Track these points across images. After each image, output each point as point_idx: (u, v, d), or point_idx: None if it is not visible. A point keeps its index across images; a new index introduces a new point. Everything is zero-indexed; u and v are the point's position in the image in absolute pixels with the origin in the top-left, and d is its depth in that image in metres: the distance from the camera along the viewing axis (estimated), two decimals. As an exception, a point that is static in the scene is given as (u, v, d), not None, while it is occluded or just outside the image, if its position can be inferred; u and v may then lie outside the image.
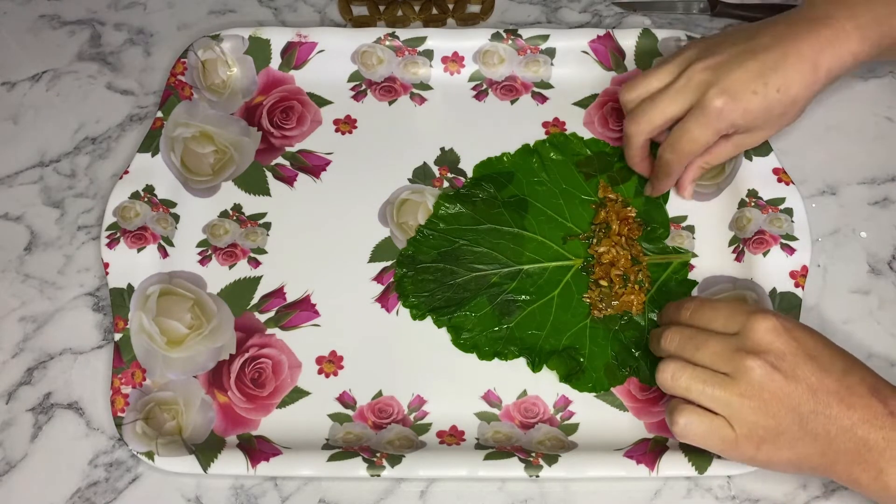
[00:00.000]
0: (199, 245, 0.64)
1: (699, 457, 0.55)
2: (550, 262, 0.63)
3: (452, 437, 0.58)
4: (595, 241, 0.63)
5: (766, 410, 0.48)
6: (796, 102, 0.58)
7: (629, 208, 0.64)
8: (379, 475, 0.55)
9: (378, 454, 0.55)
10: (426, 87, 0.71)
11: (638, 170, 0.64)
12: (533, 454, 0.55)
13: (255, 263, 0.64)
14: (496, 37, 0.70)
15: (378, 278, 0.63)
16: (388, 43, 0.70)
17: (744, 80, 0.56)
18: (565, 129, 0.69)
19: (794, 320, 0.51)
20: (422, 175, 0.67)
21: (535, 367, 0.60)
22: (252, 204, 0.66)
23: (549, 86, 0.70)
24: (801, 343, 0.49)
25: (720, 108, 0.56)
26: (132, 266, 0.62)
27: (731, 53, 0.57)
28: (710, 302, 0.53)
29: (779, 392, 0.48)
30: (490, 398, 0.59)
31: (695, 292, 0.62)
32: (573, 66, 0.70)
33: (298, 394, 0.59)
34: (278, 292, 0.63)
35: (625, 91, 0.61)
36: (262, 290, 0.63)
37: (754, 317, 0.49)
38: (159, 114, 0.67)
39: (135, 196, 0.64)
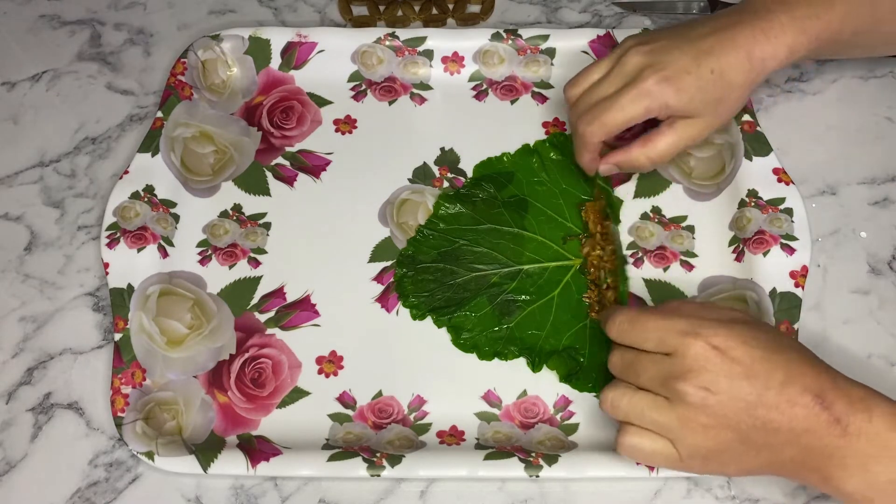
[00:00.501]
0: (199, 245, 0.64)
1: (699, 457, 0.55)
2: (550, 262, 0.63)
3: (452, 437, 0.58)
4: (583, 242, 0.63)
5: (705, 432, 0.48)
6: (732, 87, 0.58)
7: (599, 203, 0.64)
8: (379, 475, 0.55)
9: (378, 454, 0.55)
10: (426, 87, 0.71)
11: (591, 164, 0.62)
12: (533, 454, 0.55)
13: (255, 263, 0.64)
14: (496, 37, 0.70)
15: (378, 278, 0.63)
16: (388, 43, 0.70)
17: (679, 61, 0.57)
18: (565, 129, 0.69)
19: (730, 333, 0.49)
20: (422, 175, 0.67)
21: (535, 367, 0.60)
22: (252, 204, 0.66)
23: (549, 86, 0.70)
24: (735, 361, 0.48)
25: (653, 85, 0.57)
26: (132, 266, 0.62)
27: (667, 40, 0.58)
28: (639, 320, 0.51)
29: (715, 414, 0.48)
30: (490, 398, 0.59)
31: (695, 292, 0.62)
32: (573, 66, 0.70)
33: (298, 394, 0.59)
34: (278, 292, 0.63)
35: (568, 87, 0.61)
36: (262, 290, 0.63)
37: (685, 340, 0.48)
38: (159, 114, 0.67)
39: (135, 196, 0.64)
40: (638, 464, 0.54)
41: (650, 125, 0.60)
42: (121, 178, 0.64)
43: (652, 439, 0.50)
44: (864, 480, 0.47)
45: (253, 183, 0.67)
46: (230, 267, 0.63)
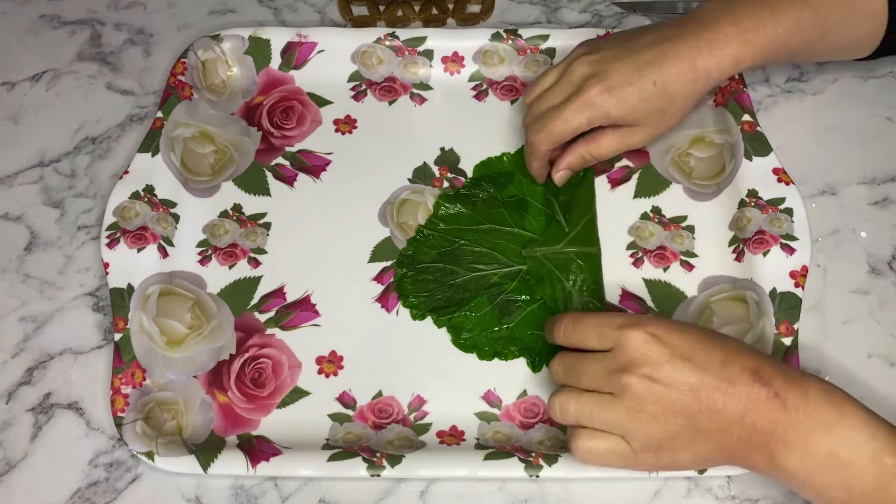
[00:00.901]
0: (199, 245, 0.64)
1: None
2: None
3: (452, 437, 0.58)
4: None
5: (655, 421, 0.49)
6: (674, 99, 0.58)
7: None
8: (379, 475, 0.55)
9: (378, 454, 0.55)
10: (426, 87, 0.71)
11: (539, 172, 0.64)
12: (533, 454, 0.55)
13: (255, 263, 0.64)
14: (496, 37, 0.70)
15: (378, 278, 0.63)
16: (388, 43, 0.70)
17: (621, 72, 0.58)
18: (565, 129, 0.69)
19: (667, 323, 0.50)
20: (422, 175, 0.67)
21: (535, 367, 0.60)
22: (252, 204, 0.66)
23: (549, 86, 0.70)
24: (674, 347, 0.49)
25: (595, 96, 0.58)
26: (132, 266, 0.62)
27: (612, 50, 0.59)
28: (581, 320, 0.52)
29: (662, 401, 0.48)
30: (490, 398, 0.59)
31: (695, 292, 0.62)
32: (573, 66, 0.70)
33: (298, 394, 0.59)
34: (278, 292, 0.63)
35: (524, 93, 0.63)
36: (262, 290, 0.63)
37: (624, 331, 0.49)
38: (159, 114, 0.67)
39: (135, 196, 0.64)
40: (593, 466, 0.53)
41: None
42: (121, 178, 0.64)
43: (604, 439, 0.50)
44: (806, 455, 0.47)
45: (253, 183, 0.67)
46: (230, 267, 0.63)
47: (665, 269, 0.63)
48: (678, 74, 0.57)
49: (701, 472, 0.54)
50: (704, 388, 0.48)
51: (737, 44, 0.57)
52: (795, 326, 0.59)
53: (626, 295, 0.62)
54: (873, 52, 0.63)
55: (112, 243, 0.62)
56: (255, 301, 0.62)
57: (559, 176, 0.63)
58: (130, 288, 0.61)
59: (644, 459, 0.50)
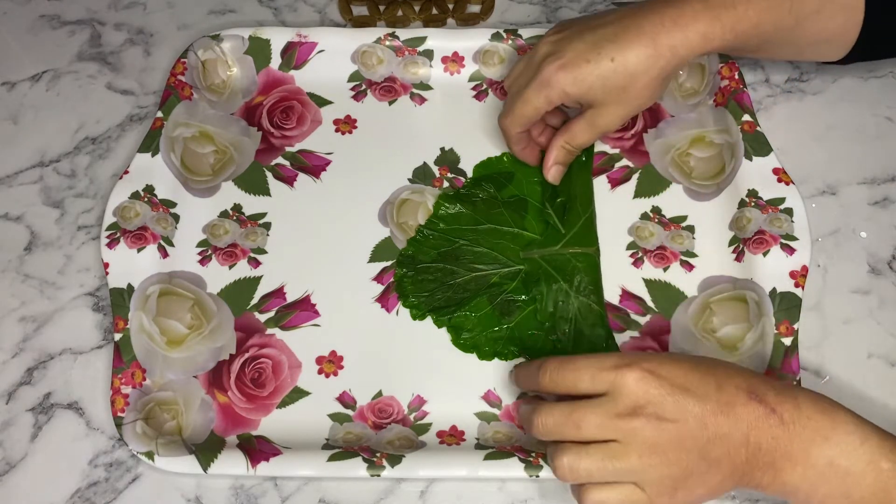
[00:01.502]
0: (199, 245, 0.64)
1: (699, 457, 0.55)
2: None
3: (452, 437, 0.58)
4: None
5: (668, 462, 0.48)
6: (635, 76, 0.57)
7: None
8: (379, 475, 0.55)
9: (378, 454, 0.55)
10: (426, 87, 0.71)
11: (522, 157, 0.65)
12: (533, 454, 0.55)
13: (255, 263, 0.64)
14: (496, 37, 0.70)
15: (378, 278, 0.63)
16: (388, 43, 0.70)
17: (579, 49, 0.57)
18: (565, 129, 0.69)
19: (657, 357, 0.50)
20: (422, 175, 0.67)
21: (535, 367, 0.60)
22: (252, 204, 0.66)
23: (549, 86, 0.70)
24: (672, 380, 0.48)
25: (551, 75, 0.57)
26: (132, 266, 0.62)
27: (574, 30, 0.59)
28: (568, 364, 0.50)
29: (673, 438, 0.47)
30: (490, 398, 0.59)
31: (695, 292, 0.62)
32: (573, 66, 0.70)
33: (298, 394, 0.59)
34: (278, 292, 0.63)
35: (505, 79, 0.63)
36: (262, 290, 0.63)
37: (619, 373, 0.48)
38: (159, 114, 0.67)
39: (135, 196, 0.64)
40: None
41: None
42: (121, 178, 0.64)
43: (617, 490, 0.49)
44: (807, 467, 0.47)
45: (253, 183, 0.67)
46: (230, 267, 0.63)
47: (665, 269, 0.63)
48: (640, 50, 0.56)
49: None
50: (709, 416, 0.48)
51: (705, 20, 0.56)
52: (795, 326, 0.59)
53: (626, 295, 0.62)
54: (847, 55, 0.62)
55: (112, 243, 0.62)
56: (255, 301, 0.62)
57: (551, 173, 0.63)
58: (130, 288, 0.61)
59: (661, 503, 0.49)
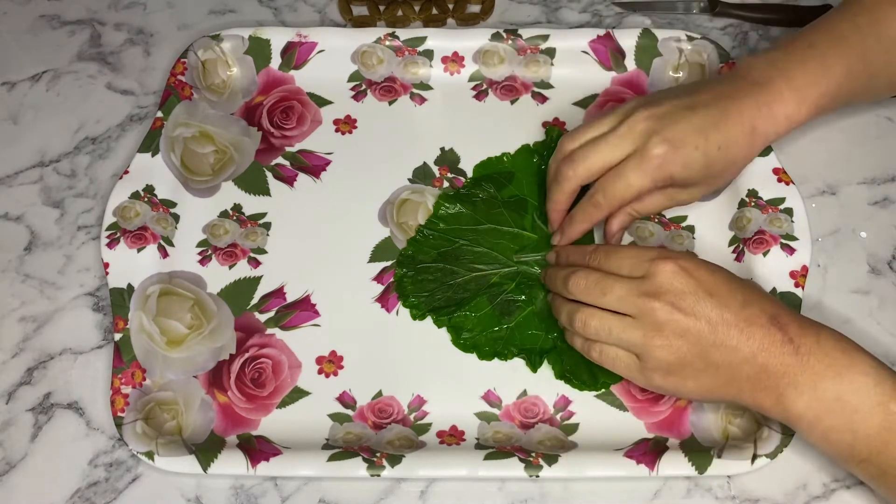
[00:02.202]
0: (199, 245, 0.64)
1: (699, 456, 0.55)
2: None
3: (452, 437, 0.58)
4: None
5: (669, 347, 0.51)
6: (735, 163, 0.58)
7: None
8: (379, 475, 0.55)
9: (378, 454, 0.55)
10: (426, 87, 0.71)
11: (555, 216, 0.61)
12: (533, 454, 0.55)
13: (255, 263, 0.64)
14: (496, 37, 0.70)
15: (378, 278, 0.63)
16: (388, 43, 0.70)
17: (686, 132, 0.56)
18: (565, 129, 0.69)
19: (697, 260, 0.53)
20: (422, 175, 0.67)
21: (534, 367, 0.60)
22: (252, 204, 0.66)
23: (549, 86, 0.70)
24: (701, 281, 0.51)
25: (661, 157, 0.55)
26: (132, 266, 0.62)
27: (674, 105, 0.57)
28: (616, 249, 0.55)
29: (680, 329, 0.51)
30: (490, 398, 0.59)
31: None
32: (573, 66, 0.70)
33: (298, 394, 0.59)
34: (278, 292, 0.63)
35: (566, 140, 0.59)
36: (262, 290, 0.63)
37: (657, 261, 0.52)
38: (159, 114, 0.67)
39: (135, 196, 0.64)
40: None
41: None
42: (121, 178, 0.64)
43: (617, 351, 0.54)
44: (813, 398, 0.49)
45: (253, 183, 0.67)
46: (230, 267, 0.63)
47: (665, 269, 0.63)
48: (741, 138, 0.56)
49: (701, 472, 0.55)
50: (722, 324, 0.50)
51: (792, 104, 0.57)
52: (795, 326, 0.59)
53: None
54: None
55: (112, 243, 0.62)
56: (255, 301, 0.62)
57: (616, 239, 0.61)
58: (130, 288, 0.61)
59: (650, 378, 0.53)
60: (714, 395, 0.53)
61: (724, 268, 0.53)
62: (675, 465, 0.55)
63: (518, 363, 0.60)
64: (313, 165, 0.67)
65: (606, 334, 0.53)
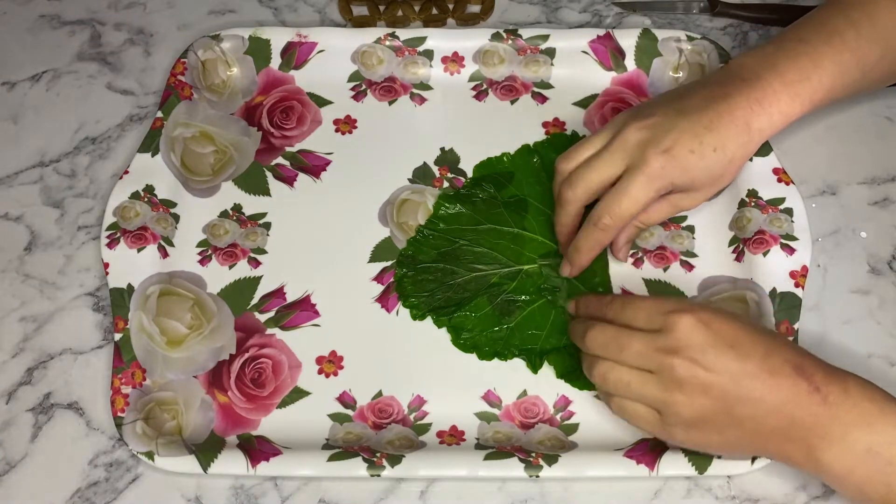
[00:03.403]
0: (199, 245, 0.64)
1: (699, 457, 0.55)
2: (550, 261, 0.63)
3: (452, 437, 0.58)
4: None
5: (691, 404, 0.50)
6: (733, 162, 0.57)
7: None
8: (379, 475, 0.55)
9: (378, 454, 0.55)
10: (426, 87, 0.71)
11: (564, 239, 0.61)
12: (533, 454, 0.55)
13: (255, 263, 0.64)
14: (496, 37, 0.70)
15: (378, 278, 0.63)
16: (388, 43, 0.70)
17: (680, 138, 0.55)
18: (565, 129, 0.69)
19: (715, 310, 0.51)
20: (422, 175, 0.67)
21: (534, 367, 0.60)
22: (252, 204, 0.66)
23: (549, 86, 0.70)
24: (721, 334, 0.50)
25: (661, 166, 0.55)
26: (132, 266, 0.62)
27: (665, 114, 0.56)
28: (631, 301, 0.54)
29: (701, 385, 0.49)
30: (490, 398, 0.59)
31: (695, 292, 0.62)
32: (573, 66, 0.70)
33: (298, 394, 0.59)
34: (278, 292, 0.63)
35: (561, 160, 0.59)
36: (262, 290, 0.63)
37: (673, 315, 0.50)
38: (159, 114, 0.67)
39: (135, 196, 0.64)
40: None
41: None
42: (121, 178, 0.64)
43: (638, 407, 0.52)
44: (844, 449, 0.48)
45: (253, 183, 0.67)
46: (230, 267, 0.63)
47: (665, 269, 0.63)
48: (736, 137, 0.56)
49: (701, 472, 0.55)
50: (745, 376, 0.49)
51: (786, 99, 0.57)
52: (795, 326, 0.59)
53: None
54: None
55: (112, 243, 0.62)
56: (255, 301, 0.62)
57: (622, 253, 0.62)
58: (130, 288, 0.61)
59: (672, 433, 0.52)
60: (740, 449, 0.52)
61: (743, 316, 0.52)
62: (675, 465, 0.55)
63: (518, 363, 0.60)
64: (313, 165, 0.67)
65: (625, 389, 0.52)
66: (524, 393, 0.59)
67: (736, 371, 0.49)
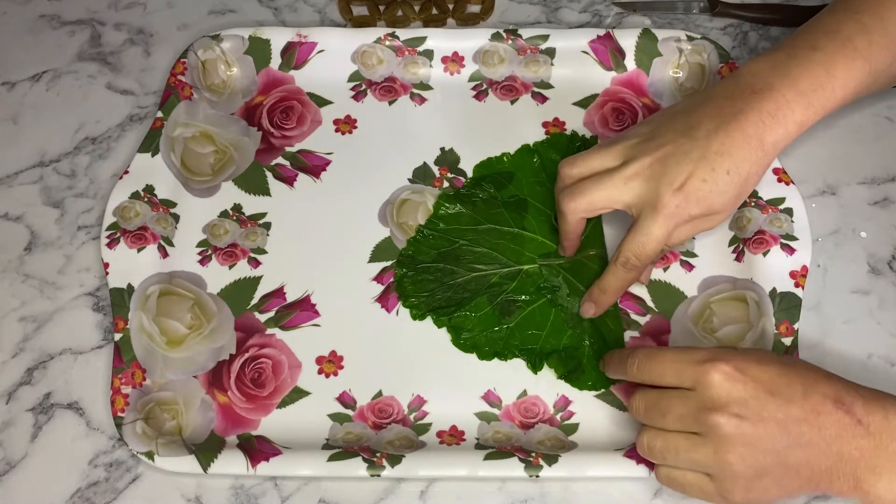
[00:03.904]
0: (199, 245, 0.64)
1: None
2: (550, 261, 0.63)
3: (452, 437, 0.58)
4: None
5: (744, 461, 0.48)
6: (749, 180, 0.56)
7: None
8: (379, 475, 0.55)
9: (378, 454, 0.55)
10: (426, 87, 0.71)
11: (568, 245, 0.61)
12: (533, 454, 0.55)
13: (255, 263, 0.64)
14: (496, 37, 0.70)
15: (378, 278, 0.63)
16: (388, 43, 0.70)
17: (694, 172, 0.54)
18: (565, 129, 0.69)
19: (742, 355, 0.50)
20: (422, 175, 0.67)
21: (535, 367, 0.60)
22: (252, 204, 0.66)
23: (549, 86, 0.70)
24: (759, 381, 0.49)
25: (676, 205, 0.54)
26: (132, 266, 0.62)
27: (675, 141, 0.55)
28: (655, 357, 0.52)
29: (751, 440, 0.48)
30: (490, 398, 0.59)
31: (695, 292, 0.62)
32: (573, 66, 0.70)
33: (298, 394, 0.59)
34: (278, 292, 0.63)
35: (566, 165, 0.59)
36: (262, 290, 0.63)
37: (704, 368, 0.49)
38: (159, 114, 0.67)
39: (135, 196, 0.64)
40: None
41: None
42: (121, 178, 0.65)
43: (688, 475, 0.51)
44: (893, 480, 0.47)
45: (253, 183, 0.67)
46: (230, 267, 0.63)
47: (665, 269, 0.63)
48: (748, 155, 0.55)
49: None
50: (792, 422, 0.48)
51: (800, 109, 0.55)
52: (795, 326, 0.59)
53: (627, 295, 0.62)
54: None
55: (112, 243, 0.62)
56: (255, 301, 0.62)
57: (647, 276, 0.62)
58: (130, 288, 0.61)
59: (731, 495, 0.50)
60: (796, 494, 0.51)
61: (769, 353, 0.51)
62: (675, 465, 0.55)
63: (518, 363, 0.60)
64: (313, 165, 0.67)
65: (675, 457, 0.50)
66: (524, 393, 0.59)
67: (782, 417, 0.48)
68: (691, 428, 0.49)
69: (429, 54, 0.70)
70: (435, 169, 0.67)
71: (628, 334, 0.61)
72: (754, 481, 0.49)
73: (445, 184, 0.66)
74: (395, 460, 0.55)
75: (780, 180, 0.64)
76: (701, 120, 0.56)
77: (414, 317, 0.62)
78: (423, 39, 0.70)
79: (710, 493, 0.50)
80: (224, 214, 0.65)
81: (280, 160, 0.68)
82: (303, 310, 0.62)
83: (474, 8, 0.75)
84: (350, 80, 0.71)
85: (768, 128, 0.55)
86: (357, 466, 0.55)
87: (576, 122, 0.69)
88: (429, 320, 0.62)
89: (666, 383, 0.51)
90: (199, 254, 0.64)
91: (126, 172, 0.65)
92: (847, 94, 0.57)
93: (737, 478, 0.49)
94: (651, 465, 0.55)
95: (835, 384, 0.49)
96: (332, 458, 0.55)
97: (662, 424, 0.51)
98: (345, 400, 0.59)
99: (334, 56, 0.70)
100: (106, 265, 0.61)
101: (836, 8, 0.59)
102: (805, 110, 0.56)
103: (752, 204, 0.63)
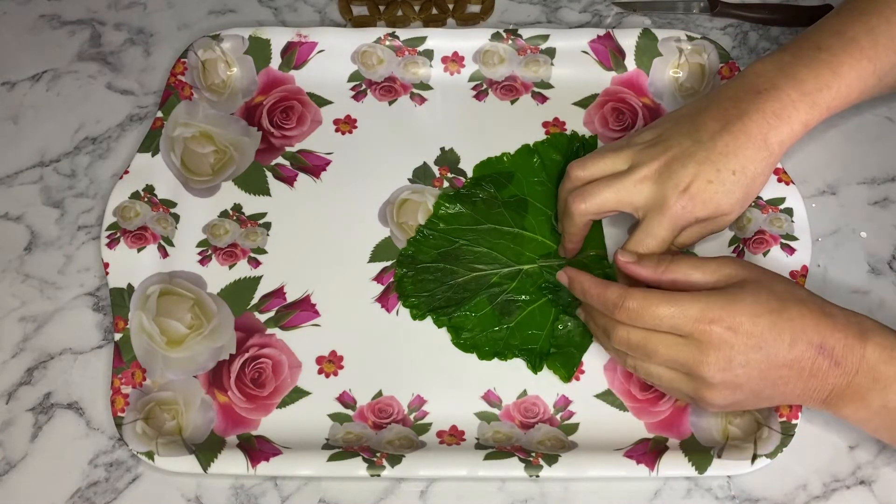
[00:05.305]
0: (199, 245, 0.64)
1: (699, 457, 0.55)
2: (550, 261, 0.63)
3: (452, 437, 0.58)
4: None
5: (721, 397, 0.52)
6: (756, 180, 0.56)
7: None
8: (379, 475, 0.55)
9: (378, 454, 0.55)
10: (426, 87, 0.71)
11: (571, 247, 0.61)
12: (533, 454, 0.55)
13: (255, 263, 0.64)
14: (496, 37, 0.70)
15: (378, 278, 0.63)
16: (388, 43, 0.70)
17: (698, 173, 0.55)
18: (565, 129, 0.69)
19: (738, 308, 0.50)
20: (422, 175, 0.67)
21: (535, 367, 0.60)
22: (252, 204, 0.66)
23: (549, 86, 0.70)
24: (750, 335, 0.50)
25: (682, 207, 0.55)
26: (132, 266, 0.62)
27: (681, 144, 0.56)
28: (649, 305, 0.51)
29: (732, 383, 0.51)
30: (490, 398, 0.59)
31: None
32: (573, 66, 0.70)
33: (298, 394, 0.59)
34: (278, 292, 0.63)
35: (575, 167, 0.59)
36: (262, 290, 0.63)
37: (699, 327, 0.50)
38: (159, 114, 0.67)
39: (135, 196, 0.64)
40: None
41: None
42: (121, 178, 0.65)
43: (671, 374, 0.53)
44: (860, 407, 0.51)
45: (253, 183, 0.67)
46: (230, 267, 0.63)
47: (665, 269, 0.63)
48: (754, 155, 0.55)
49: (701, 472, 0.55)
50: (772, 368, 0.51)
51: (805, 108, 0.56)
52: (795, 326, 0.59)
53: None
54: None
55: (112, 243, 0.62)
56: (255, 301, 0.62)
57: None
58: (130, 288, 0.61)
59: (705, 398, 0.52)
60: (761, 406, 0.55)
61: (764, 295, 0.51)
62: (675, 465, 0.55)
63: (518, 363, 0.60)
64: (313, 165, 0.67)
65: (657, 381, 0.54)
66: (524, 393, 0.59)
67: (764, 367, 0.51)
68: (677, 368, 0.52)
69: (429, 54, 0.70)
70: (435, 169, 0.67)
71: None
72: (726, 406, 0.53)
73: (445, 184, 0.66)
74: (395, 460, 0.55)
75: (780, 180, 0.64)
76: (706, 122, 0.56)
77: (414, 317, 0.62)
78: (423, 39, 0.70)
79: (686, 400, 0.54)
80: (224, 214, 0.65)
81: (280, 160, 0.68)
82: (303, 310, 0.62)
83: (474, 8, 0.75)
84: (350, 79, 0.71)
85: (773, 127, 0.55)
86: (357, 466, 0.55)
87: (576, 122, 0.69)
88: (429, 320, 0.62)
89: (661, 331, 0.52)
90: (199, 254, 0.64)
91: (126, 172, 0.65)
92: (852, 95, 0.57)
93: (711, 404, 0.52)
94: (651, 465, 0.55)
95: (821, 326, 0.51)
96: (332, 458, 0.55)
97: (646, 362, 0.53)
98: (345, 400, 0.59)
99: (334, 56, 0.70)
100: (106, 265, 0.61)
101: (841, 10, 0.59)
102: (810, 109, 0.56)
103: (752, 204, 0.63)
